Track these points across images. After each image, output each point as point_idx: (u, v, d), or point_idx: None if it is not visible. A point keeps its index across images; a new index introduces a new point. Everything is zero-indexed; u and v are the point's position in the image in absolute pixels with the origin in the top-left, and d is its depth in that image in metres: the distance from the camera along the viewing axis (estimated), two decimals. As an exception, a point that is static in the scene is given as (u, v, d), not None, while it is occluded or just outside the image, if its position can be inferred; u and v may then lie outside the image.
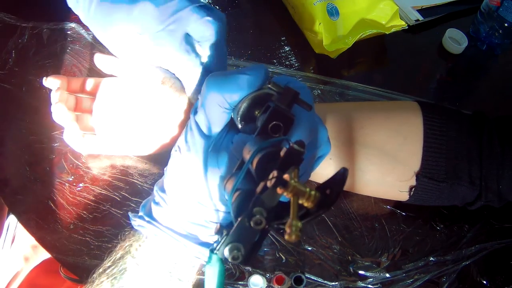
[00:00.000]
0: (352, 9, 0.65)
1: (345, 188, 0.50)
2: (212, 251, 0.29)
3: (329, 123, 0.48)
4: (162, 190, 0.38)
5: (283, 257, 0.48)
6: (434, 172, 0.45)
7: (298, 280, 0.46)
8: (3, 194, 0.51)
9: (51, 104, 0.48)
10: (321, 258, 0.48)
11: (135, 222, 0.38)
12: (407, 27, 0.66)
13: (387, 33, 0.65)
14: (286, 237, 0.23)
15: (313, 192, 0.25)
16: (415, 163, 0.45)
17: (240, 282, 0.46)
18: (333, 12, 0.63)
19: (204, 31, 0.42)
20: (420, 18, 0.70)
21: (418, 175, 0.45)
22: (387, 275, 0.47)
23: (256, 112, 0.35)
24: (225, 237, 0.29)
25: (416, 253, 0.49)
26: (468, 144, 0.45)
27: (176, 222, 0.37)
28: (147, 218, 0.38)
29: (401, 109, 0.49)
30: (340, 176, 0.26)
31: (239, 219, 0.27)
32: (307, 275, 0.46)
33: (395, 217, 0.51)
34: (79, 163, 0.53)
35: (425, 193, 0.46)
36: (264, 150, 0.29)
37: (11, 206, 0.50)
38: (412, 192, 0.46)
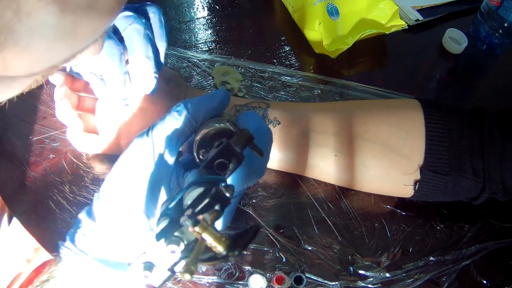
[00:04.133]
0: (352, 9, 0.65)
1: (350, 185, 0.50)
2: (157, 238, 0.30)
3: (331, 120, 0.48)
4: (90, 214, 0.36)
5: (283, 256, 0.47)
6: (438, 165, 0.45)
7: (298, 280, 0.46)
8: (3, 194, 0.51)
9: (53, 102, 0.48)
10: (321, 258, 0.48)
11: (63, 251, 0.35)
12: (407, 27, 0.66)
13: (387, 33, 0.65)
14: (179, 274, 0.24)
15: (223, 239, 0.26)
16: (419, 157, 0.46)
17: (240, 282, 0.46)
18: (333, 12, 0.63)
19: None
20: (420, 18, 0.70)
21: (422, 169, 0.45)
22: (387, 275, 0.47)
23: (216, 144, 0.35)
24: (142, 255, 0.30)
25: (416, 253, 0.49)
26: (469, 136, 0.45)
27: (106, 250, 0.35)
28: (74, 249, 0.35)
29: (402, 106, 0.49)
30: (251, 233, 0.28)
31: (162, 240, 0.28)
32: (307, 275, 0.46)
33: (395, 217, 0.51)
34: (79, 163, 0.53)
35: (430, 188, 0.46)
36: (198, 185, 0.29)
37: (11, 206, 0.50)
38: (416, 187, 0.46)
